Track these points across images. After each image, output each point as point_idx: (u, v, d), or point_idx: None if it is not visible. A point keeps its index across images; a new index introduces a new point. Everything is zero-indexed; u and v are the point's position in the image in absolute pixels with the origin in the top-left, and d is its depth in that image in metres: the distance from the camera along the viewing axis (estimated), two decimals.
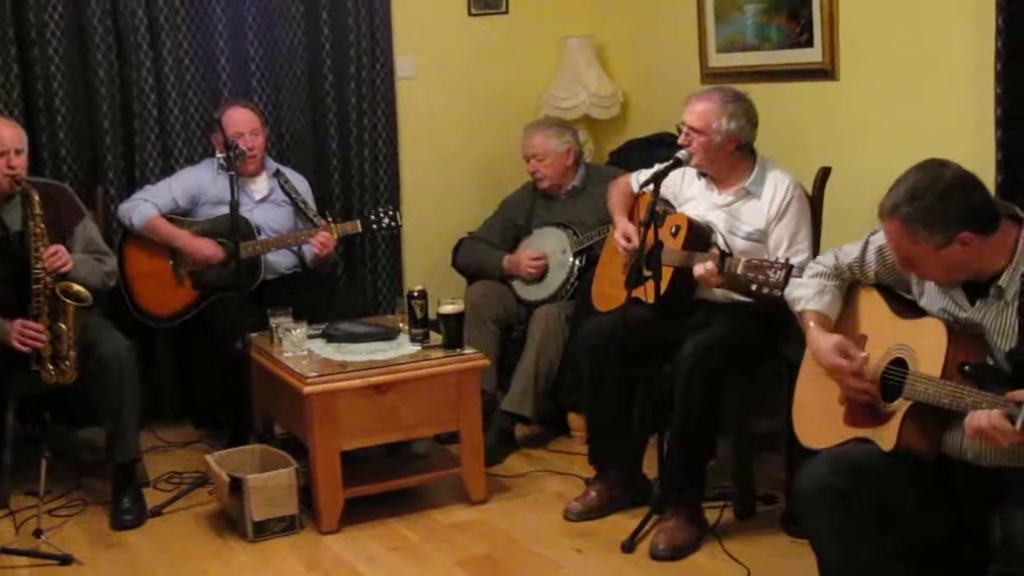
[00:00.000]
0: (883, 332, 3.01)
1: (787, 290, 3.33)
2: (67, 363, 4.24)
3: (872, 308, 3.10)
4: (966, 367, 2.71)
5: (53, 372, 4.24)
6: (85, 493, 4.49)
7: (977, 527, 2.69)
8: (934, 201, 2.71)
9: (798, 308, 3.22)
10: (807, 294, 3.20)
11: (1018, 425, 2.51)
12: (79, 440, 4.99)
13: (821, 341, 3.06)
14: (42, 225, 4.24)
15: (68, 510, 4.36)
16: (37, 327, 4.19)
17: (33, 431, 4.68)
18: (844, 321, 3.16)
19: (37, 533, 4.06)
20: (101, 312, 4.57)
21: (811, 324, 3.14)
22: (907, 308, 3.01)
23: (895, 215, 2.77)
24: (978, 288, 2.81)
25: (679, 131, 4.04)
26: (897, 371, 2.88)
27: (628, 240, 4.13)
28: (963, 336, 2.79)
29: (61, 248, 4.28)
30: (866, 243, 3.12)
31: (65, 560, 3.89)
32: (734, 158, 4.04)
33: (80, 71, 5.07)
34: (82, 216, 4.56)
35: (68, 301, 4.21)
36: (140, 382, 4.35)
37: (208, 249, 4.89)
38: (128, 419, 4.27)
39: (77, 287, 4.24)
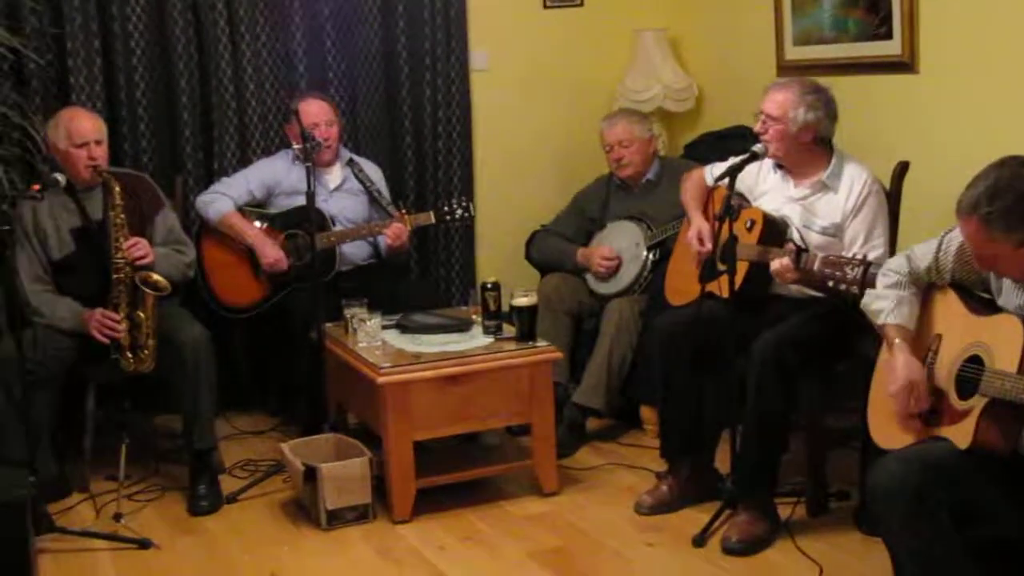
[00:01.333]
0: (959, 330, 2.98)
1: (864, 302, 3.28)
2: (146, 352, 4.31)
3: (948, 306, 3.07)
4: None
5: (132, 360, 4.31)
6: (163, 479, 4.57)
7: None
8: (1013, 202, 2.68)
9: (879, 321, 3.18)
10: (886, 307, 3.16)
11: None
12: (157, 427, 5.06)
13: (899, 369, 3.03)
14: (122, 215, 4.31)
15: (147, 495, 4.43)
16: (115, 317, 4.26)
17: (113, 417, 4.75)
18: (920, 321, 3.13)
19: (117, 517, 4.16)
20: (180, 301, 4.64)
21: (895, 341, 3.10)
22: (983, 306, 2.97)
23: (973, 214, 2.73)
24: None
25: (757, 119, 4.02)
26: (973, 368, 2.84)
27: (701, 243, 4.12)
28: None
29: (142, 240, 4.34)
30: (940, 243, 3.08)
31: (144, 544, 3.97)
32: (811, 151, 4.00)
33: (161, 64, 5.15)
34: (162, 206, 4.63)
35: (147, 291, 4.28)
36: (216, 371, 4.41)
37: (270, 254, 4.91)
38: (204, 407, 4.33)
39: (156, 276, 4.30)
